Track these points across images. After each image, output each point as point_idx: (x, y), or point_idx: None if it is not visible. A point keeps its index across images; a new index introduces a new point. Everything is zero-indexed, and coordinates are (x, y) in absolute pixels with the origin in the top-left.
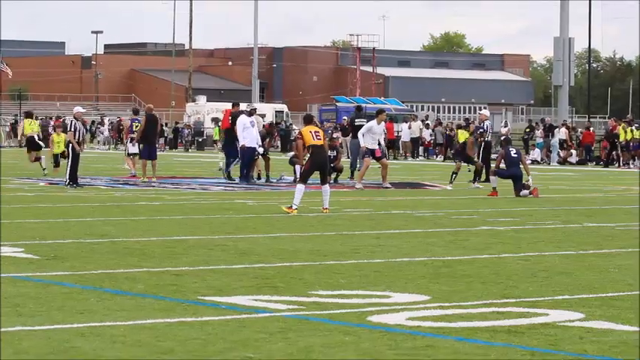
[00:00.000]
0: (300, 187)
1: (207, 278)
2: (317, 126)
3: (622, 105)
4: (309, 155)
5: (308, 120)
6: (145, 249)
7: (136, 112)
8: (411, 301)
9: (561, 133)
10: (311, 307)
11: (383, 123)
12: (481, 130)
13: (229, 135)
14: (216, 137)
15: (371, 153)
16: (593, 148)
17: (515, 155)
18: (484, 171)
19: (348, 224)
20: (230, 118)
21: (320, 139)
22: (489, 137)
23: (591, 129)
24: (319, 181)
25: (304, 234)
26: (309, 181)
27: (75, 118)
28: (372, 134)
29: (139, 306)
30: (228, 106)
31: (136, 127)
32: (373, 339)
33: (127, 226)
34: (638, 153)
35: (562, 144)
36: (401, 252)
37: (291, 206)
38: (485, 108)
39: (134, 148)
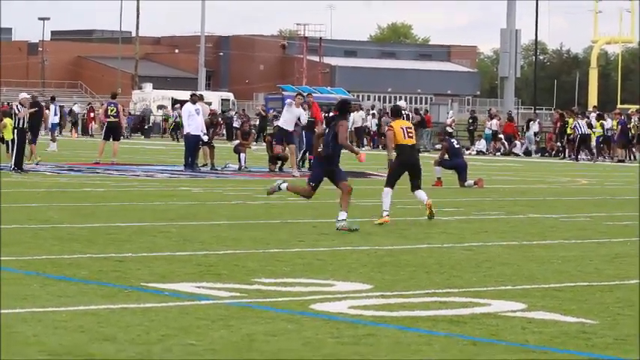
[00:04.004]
0: (387, 191)
1: (151, 265)
2: (407, 120)
3: (568, 97)
4: (396, 154)
5: (396, 113)
6: (89, 235)
7: (113, 96)
8: (353, 290)
9: (493, 125)
10: (254, 294)
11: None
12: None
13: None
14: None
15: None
16: (537, 139)
17: (458, 146)
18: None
19: (292, 212)
20: None
21: (412, 137)
22: None
23: (537, 120)
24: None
25: (248, 222)
26: (252, 169)
27: (20, 104)
28: (290, 117)
29: (82, 292)
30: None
31: (112, 110)
32: (315, 327)
33: (71, 212)
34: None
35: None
36: (344, 241)
37: (382, 215)
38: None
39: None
